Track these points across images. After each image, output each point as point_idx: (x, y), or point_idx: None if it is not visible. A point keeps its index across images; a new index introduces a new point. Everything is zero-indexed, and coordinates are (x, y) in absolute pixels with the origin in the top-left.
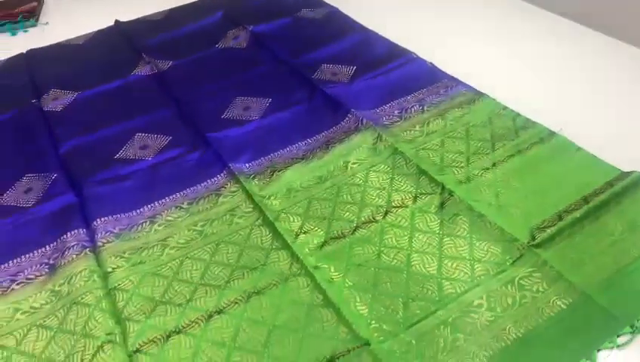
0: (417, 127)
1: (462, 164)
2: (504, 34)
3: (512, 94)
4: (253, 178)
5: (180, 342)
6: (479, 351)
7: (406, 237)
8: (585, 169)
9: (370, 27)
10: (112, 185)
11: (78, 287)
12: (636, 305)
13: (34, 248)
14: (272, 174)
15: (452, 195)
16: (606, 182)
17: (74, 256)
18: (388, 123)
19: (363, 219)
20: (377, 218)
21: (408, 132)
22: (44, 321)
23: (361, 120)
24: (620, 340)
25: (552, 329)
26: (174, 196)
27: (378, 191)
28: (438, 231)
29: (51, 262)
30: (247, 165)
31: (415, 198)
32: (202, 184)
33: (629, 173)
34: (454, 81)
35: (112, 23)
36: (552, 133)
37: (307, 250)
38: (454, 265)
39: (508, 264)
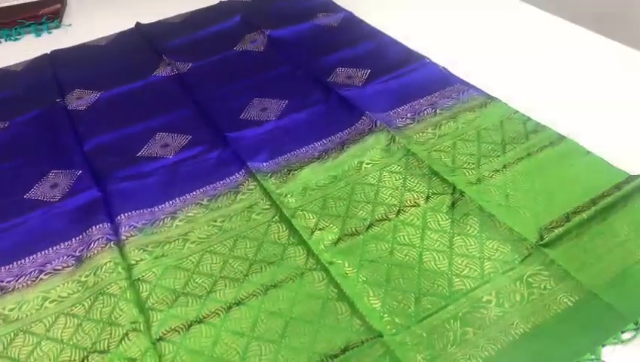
0: (430, 130)
1: (473, 166)
2: (517, 41)
3: (523, 99)
4: (271, 176)
5: (201, 331)
6: (487, 345)
7: (418, 235)
8: (593, 172)
9: (383, 32)
10: (134, 181)
11: (104, 278)
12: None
13: (60, 241)
14: (289, 173)
15: (463, 196)
16: (613, 185)
17: (99, 248)
18: (401, 125)
19: (376, 217)
20: (390, 216)
21: (421, 134)
22: (72, 310)
23: (375, 122)
24: (624, 336)
25: (559, 324)
26: (194, 193)
27: (391, 191)
28: (449, 230)
29: (77, 254)
30: (264, 164)
31: (427, 198)
32: (221, 182)
33: (636, 177)
34: (466, 86)
35: (132, 25)
36: (561, 137)
37: (322, 246)
38: (464, 263)
39: (517, 262)
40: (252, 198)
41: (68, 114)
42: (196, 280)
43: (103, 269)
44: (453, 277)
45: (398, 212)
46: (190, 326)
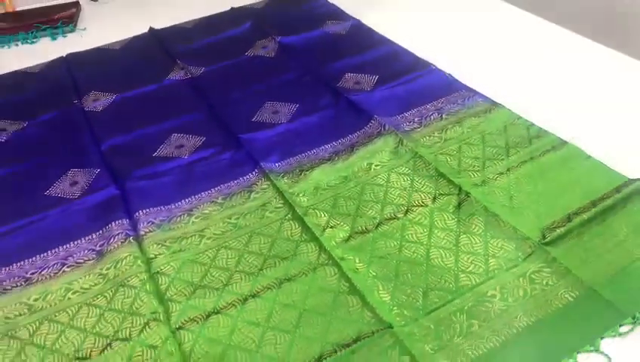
0: (436, 134)
1: (478, 169)
2: (520, 50)
3: (526, 105)
4: (283, 176)
5: (219, 321)
6: (492, 336)
7: (425, 234)
8: (594, 176)
9: (390, 39)
10: (151, 180)
11: (124, 271)
12: (637, 299)
13: (81, 235)
14: (301, 173)
15: (468, 196)
16: (613, 188)
17: (119, 243)
18: (408, 129)
19: (385, 216)
20: (399, 215)
21: (427, 138)
22: (94, 300)
23: (384, 125)
24: (622, 330)
25: (560, 318)
26: (209, 192)
27: (399, 191)
28: (455, 229)
29: (98, 248)
30: (276, 164)
31: (434, 198)
32: (235, 181)
33: (635, 180)
34: (471, 92)
35: (145, 30)
36: (563, 142)
37: (334, 242)
38: (470, 260)
39: (520, 260)
40: (265, 197)
41: (85, 115)
42: (213, 274)
43: (123, 263)
44: (459, 273)
45: (407, 211)
46: (208, 316)
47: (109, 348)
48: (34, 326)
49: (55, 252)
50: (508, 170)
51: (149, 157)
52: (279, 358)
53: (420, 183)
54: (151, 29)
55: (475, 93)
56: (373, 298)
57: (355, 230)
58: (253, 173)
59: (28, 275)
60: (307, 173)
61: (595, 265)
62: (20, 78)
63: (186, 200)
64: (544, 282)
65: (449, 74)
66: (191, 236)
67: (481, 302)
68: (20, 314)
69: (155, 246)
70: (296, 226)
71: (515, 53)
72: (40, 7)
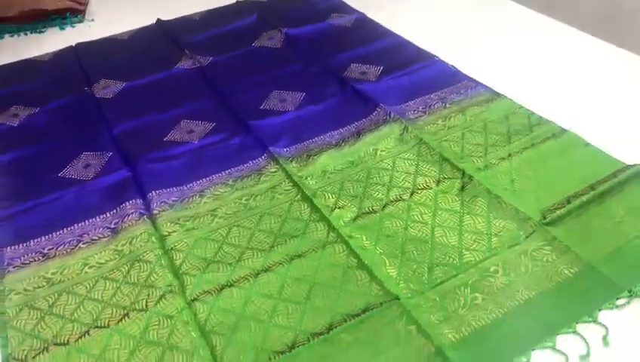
0: (440, 122)
1: (480, 154)
2: (522, 43)
3: (527, 96)
4: (291, 161)
5: (232, 294)
6: (495, 309)
7: (430, 214)
8: (592, 161)
9: (394, 32)
10: (163, 163)
11: (139, 247)
12: (633, 275)
13: (96, 214)
14: (309, 158)
15: (472, 180)
16: (611, 173)
17: (133, 221)
18: (413, 117)
19: (391, 198)
20: (404, 197)
21: (432, 125)
22: (110, 274)
23: (389, 113)
24: (619, 303)
25: (560, 292)
26: (220, 174)
27: (405, 175)
28: (458, 210)
29: (112, 226)
30: (285, 150)
31: (438, 182)
32: (245, 165)
33: (631, 166)
34: (474, 83)
35: (152, 22)
36: (563, 130)
37: (342, 222)
38: (473, 238)
39: (522, 238)
40: (275, 180)
41: (96, 101)
42: (225, 250)
43: (138, 239)
44: (463, 251)
45: (412, 193)
46: (222, 289)
47: (126, 317)
48: (53, 298)
49: (71, 229)
50: (509, 155)
51: (160, 141)
52: (291, 327)
53: (425, 168)
54: (158, 21)
55: (477, 83)
56: (381, 272)
57: (363, 210)
58: (263, 157)
59: (45, 251)
60: (315, 157)
61: (593, 243)
62: (30, 66)
63: (197, 182)
64: (544, 259)
65: (452, 65)
66: (203, 215)
67: (484, 277)
68: (39, 287)
69: (168, 224)
70: (306, 207)
71: (516, 47)
72: None
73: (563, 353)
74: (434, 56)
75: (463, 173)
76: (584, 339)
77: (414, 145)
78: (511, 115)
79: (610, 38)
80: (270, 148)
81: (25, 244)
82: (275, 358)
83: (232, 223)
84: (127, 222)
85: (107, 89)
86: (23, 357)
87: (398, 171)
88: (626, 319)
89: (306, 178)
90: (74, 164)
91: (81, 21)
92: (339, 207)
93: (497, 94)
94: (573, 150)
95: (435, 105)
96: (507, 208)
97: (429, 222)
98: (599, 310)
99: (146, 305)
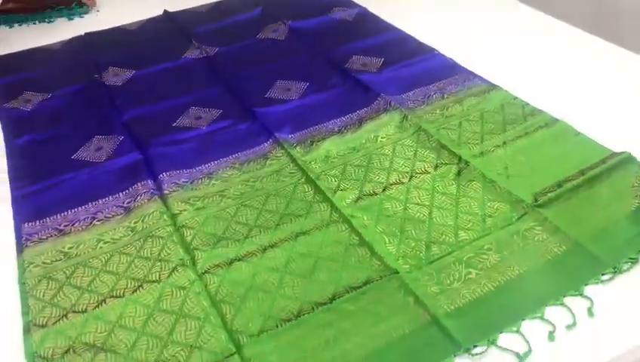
0: (438, 111)
1: (477, 142)
2: (518, 38)
3: (522, 87)
4: (296, 146)
5: (241, 267)
6: (487, 283)
7: (428, 196)
8: (582, 149)
9: (395, 26)
10: (172, 147)
11: (151, 224)
12: (618, 252)
13: (108, 194)
14: (312, 144)
15: (468, 165)
16: (600, 160)
17: (145, 200)
18: (413, 106)
19: (391, 181)
20: (404, 181)
21: (430, 114)
22: (124, 249)
23: (390, 102)
24: (604, 278)
25: (549, 268)
26: (227, 158)
27: (404, 161)
28: (455, 193)
29: (125, 205)
30: (289, 136)
31: (436, 167)
32: (251, 149)
33: (619, 153)
34: (472, 75)
35: (159, 13)
36: (555, 120)
37: (344, 203)
38: (468, 219)
39: (514, 219)
40: (280, 164)
41: (106, 88)
42: (234, 228)
43: (150, 217)
44: (459, 230)
45: (411, 178)
46: (231, 263)
47: (140, 288)
48: (70, 270)
49: (85, 208)
50: (504, 143)
51: (169, 126)
52: (297, 298)
53: (423, 154)
54: (165, 12)
55: (475, 75)
56: (381, 249)
57: (364, 193)
58: (268, 142)
59: (61, 227)
60: (318, 143)
61: (581, 224)
62: (40, 55)
63: (206, 165)
64: (535, 238)
65: (451, 58)
66: (212, 196)
67: (478, 254)
68: (57, 260)
69: (179, 203)
70: (310, 189)
71: (512, 42)
72: None
73: (551, 323)
74: (433, 49)
75: (460, 158)
76: (570, 311)
77: (413, 133)
78: (506, 105)
79: (600, 32)
80: (275, 134)
81: (41, 221)
82: (282, 325)
83: (239, 203)
84: (140, 202)
85: (116, 77)
86: (44, 323)
87: (397, 157)
88: (610, 293)
89: (310, 162)
90: (86, 147)
91: (87, 12)
92: (341, 189)
93: (493, 86)
94: (564, 138)
95: (434, 96)
96: (501, 191)
97: (427, 204)
98: (585, 284)
99: (159, 277)
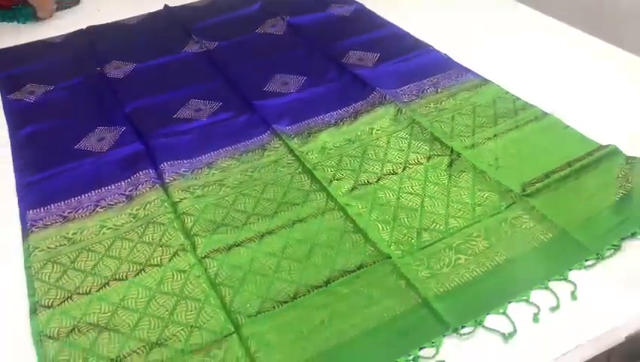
0: (432, 105)
1: (468, 134)
2: (509, 35)
3: (513, 82)
4: (293, 138)
5: (240, 252)
6: (476, 268)
7: (420, 186)
8: (570, 142)
9: (391, 22)
10: (173, 138)
11: (153, 211)
12: (602, 240)
13: (111, 183)
14: (309, 135)
15: (459, 156)
16: (587, 152)
17: (146, 189)
18: (407, 100)
19: (385, 171)
20: (397, 171)
21: (424, 108)
22: (126, 235)
23: (385, 96)
24: (587, 263)
25: (535, 254)
26: (227, 149)
27: (398, 152)
28: (446, 183)
29: (127, 193)
30: (287, 128)
31: (429, 158)
32: (250, 140)
33: (605, 146)
34: (465, 70)
35: (159, 8)
36: (545, 114)
37: (340, 192)
38: (459, 208)
39: (503, 208)
40: (277, 154)
41: (108, 81)
42: (233, 215)
43: (152, 205)
44: (449, 218)
45: (404, 168)
46: (230, 248)
47: (142, 272)
48: (74, 255)
49: (88, 196)
50: (495, 135)
51: (170, 118)
52: (293, 281)
53: (417, 146)
54: (166, 7)
55: (468, 70)
56: (375, 235)
57: (359, 182)
58: (266, 133)
59: (65, 214)
60: (315, 135)
61: (567, 213)
62: (42, 47)
63: (206, 155)
64: (523, 226)
65: (445, 54)
66: (212, 184)
67: (467, 241)
68: (61, 245)
69: (179, 191)
70: (306, 178)
71: (504, 37)
72: None
73: (535, 305)
74: (428, 45)
75: (452, 150)
76: (555, 294)
77: (407, 125)
78: (498, 99)
79: (588, 29)
80: (274, 125)
81: (46, 208)
82: (279, 306)
83: (238, 192)
84: (141, 190)
85: (118, 70)
86: (50, 304)
87: (392, 148)
88: (592, 277)
89: (307, 153)
90: (89, 138)
91: (76, 3)
92: (337, 179)
93: (486, 80)
94: (553, 132)
95: (428, 90)
96: (491, 182)
97: (419, 193)
98: (570, 270)
99: (161, 261)
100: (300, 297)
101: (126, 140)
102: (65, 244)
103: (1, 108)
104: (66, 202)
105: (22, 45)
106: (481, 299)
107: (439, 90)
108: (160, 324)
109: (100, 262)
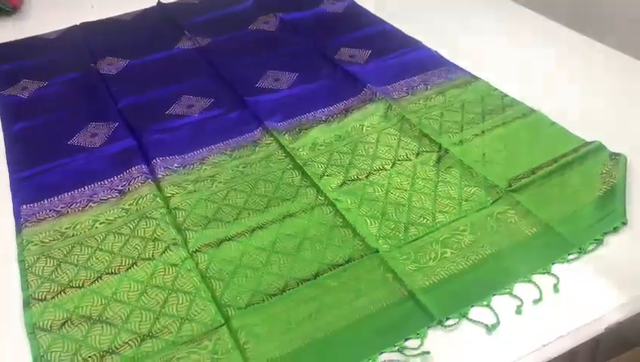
0: (421, 101)
1: (456, 131)
2: (498, 32)
3: (501, 80)
4: (285, 134)
5: (230, 246)
6: (462, 261)
7: (409, 182)
8: (556, 138)
9: (383, 19)
10: (165, 134)
11: (145, 206)
12: (584, 235)
13: (104, 178)
14: (300, 132)
15: (447, 153)
16: (572, 149)
17: (139, 184)
18: (397, 97)
19: (375, 167)
20: (386, 167)
21: (414, 104)
22: (119, 230)
23: (375, 93)
24: (570, 257)
25: (520, 248)
26: (219, 145)
27: (387, 148)
28: (434, 178)
29: (120, 188)
30: (279, 124)
31: (417, 154)
32: (242, 136)
33: (590, 142)
34: (454, 67)
35: (152, 4)
36: (532, 110)
37: (330, 187)
38: (446, 203)
39: (489, 203)
40: (269, 150)
41: (102, 77)
42: (224, 210)
43: (144, 200)
44: (437, 213)
45: (393, 164)
46: (221, 242)
47: (134, 266)
48: (67, 249)
49: (81, 191)
50: (482, 132)
51: (162, 114)
52: (283, 275)
53: (406, 142)
54: (159, 3)
55: (457, 68)
56: (363, 230)
57: (349, 178)
58: (258, 130)
59: (58, 208)
60: (306, 131)
61: (552, 208)
62: (37, 43)
63: (198, 151)
64: (508, 221)
65: (435, 51)
66: (204, 180)
67: (453, 235)
68: (54, 239)
69: (171, 187)
70: (297, 174)
71: (492, 35)
72: None
73: (519, 298)
74: (419, 42)
75: (440, 146)
76: (538, 287)
77: (397, 122)
78: (486, 96)
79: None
80: (265, 122)
81: (39, 203)
82: (268, 299)
83: (229, 187)
84: (134, 185)
85: (111, 66)
86: (43, 297)
87: (381, 144)
88: (574, 271)
89: (298, 149)
90: (82, 133)
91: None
92: (327, 175)
93: (475, 78)
94: (540, 128)
95: (418, 87)
96: (477, 177)
97: (408, 189)
98: (553, 263)
99: (153, 255)
100: (289, 290)
101: (119, 136)
102: (58, 239)
103: None
104: (60, 197)
105: (16, 41)
106: (466, 292)
107: (429, 87)
108: (151, 317)
109: (92, 256)
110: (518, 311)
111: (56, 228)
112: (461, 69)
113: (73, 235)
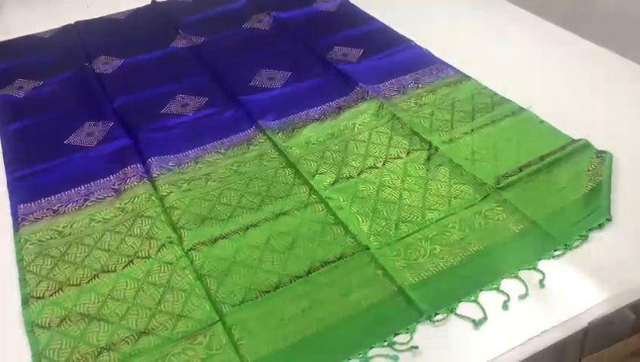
0: (412, 100)
1: (447, 129)
2: (489, 31)
3: (491, 78)
4: (278, 132)
5: (225, 245)
6: (450, 257)
7: (399, 180)
8: (544, 136)
9: (375, 17)
10: (160, 133)
11: (140, 205)
12: (570, 231)
13: (100, 177)
14: (293, 130)
15: (437, 151)
16: (560, 146)
17: (134, 183)
18: (389, 96)
19: (366, 166)
20: (378, 165)
21: (405, 103)
22: (115, 228)
23: (367, 92)
24: (556, 253)
25: (507, 245)
26: (213, 143)
27: (379, 147)
28: (424, 176)
29: (116, 187)
30: (272, 123)
31: (408, 152)
32: (236, 135)
33: (578, 140)
34: (445, 66)
35: (147, 3)
36: (521, 109)
37: (322, 186)
38: (435, 200)
39: (477, 200)
40: (262, 149)
41: (97, 76)
42: (218, 209)
43: (139, 198)
44: (426, 211)
45: (384, 162)
46: (215, 241)
47: (130, 264)
48: (64, 247)
49: (77, 190)
50: (472, 130)
51: (157, 113)
52: (276, 272)
53: (397, 140)
54: (153, 2)
55: (448, 66)
56: (354, 227)
57: (341, 176)
58: (252, 129)
59: (55, 208)
60: (299, 130)
61: (539, 205)
62: (32, 43)
63: (193, 150)
64: (496, 218)
65: (426, 50)
66: (198, 179)
67: (443, 232)
68: (52, 238)
69: (167, 185)
70: (290, 173)
71: (483, 34)
72: None
73: (505, 293)
74: (410, 41)
75: (430, 145)
76: (524, 282)
77: (388, 121)
78: (476, 94)
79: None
80: (259, 121)
81: (36, 202)
82: (261, 296)
83: (223, 186)
84: (129, 184)
85: (106, 65)
86: (41, 295)
87: (373, 143)
88: (560, 267)
89: (291, 147)
90: (78, 133)
91: None
92: (319, 173)
93: (466, 76)
94: (528, 126)
95: (409, 86)
96: (466, 175)
97: (398, 187)
98: (539, 259)
99: (148, 254)
100: (282, 287)
101: (114, 135)
102: (55, 237)
103: None
104: (56, 196)
105: (11, 40)
106: (454, 288)
107: (420, 86)
108: (148, 314)
109: (89, 255)
110: (505, 306)
111: (53, 227)
112: (452, 68)
113: (70, 234)
